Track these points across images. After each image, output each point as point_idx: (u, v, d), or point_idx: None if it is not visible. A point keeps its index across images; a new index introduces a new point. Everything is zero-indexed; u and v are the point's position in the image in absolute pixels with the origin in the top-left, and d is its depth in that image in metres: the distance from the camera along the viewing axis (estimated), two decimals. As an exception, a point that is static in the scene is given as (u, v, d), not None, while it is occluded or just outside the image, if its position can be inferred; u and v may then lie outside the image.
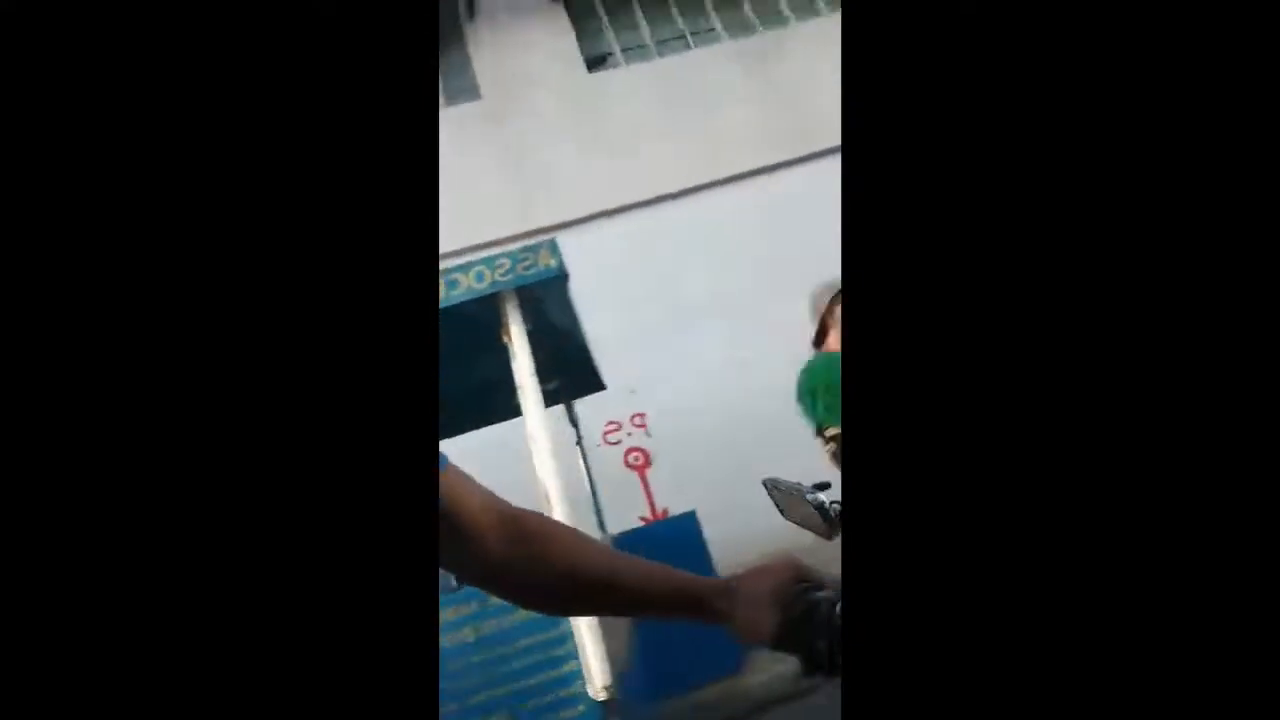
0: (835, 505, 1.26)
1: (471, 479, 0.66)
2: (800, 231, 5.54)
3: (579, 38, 6.37)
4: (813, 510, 1.31)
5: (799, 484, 1.58)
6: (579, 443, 4.38)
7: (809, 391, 2.60)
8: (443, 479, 0.61)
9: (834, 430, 2.41)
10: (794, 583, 0.64)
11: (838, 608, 0.61)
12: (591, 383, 4.16)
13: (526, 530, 0.65)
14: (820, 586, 0.65)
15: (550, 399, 4.12)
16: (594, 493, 4.35)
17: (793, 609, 0.63)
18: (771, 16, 6.52)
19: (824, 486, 1.35)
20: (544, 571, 0.65)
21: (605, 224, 5.71)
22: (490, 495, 0.67)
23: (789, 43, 6.22)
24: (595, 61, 6.34)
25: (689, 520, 4.14)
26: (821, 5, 6.51)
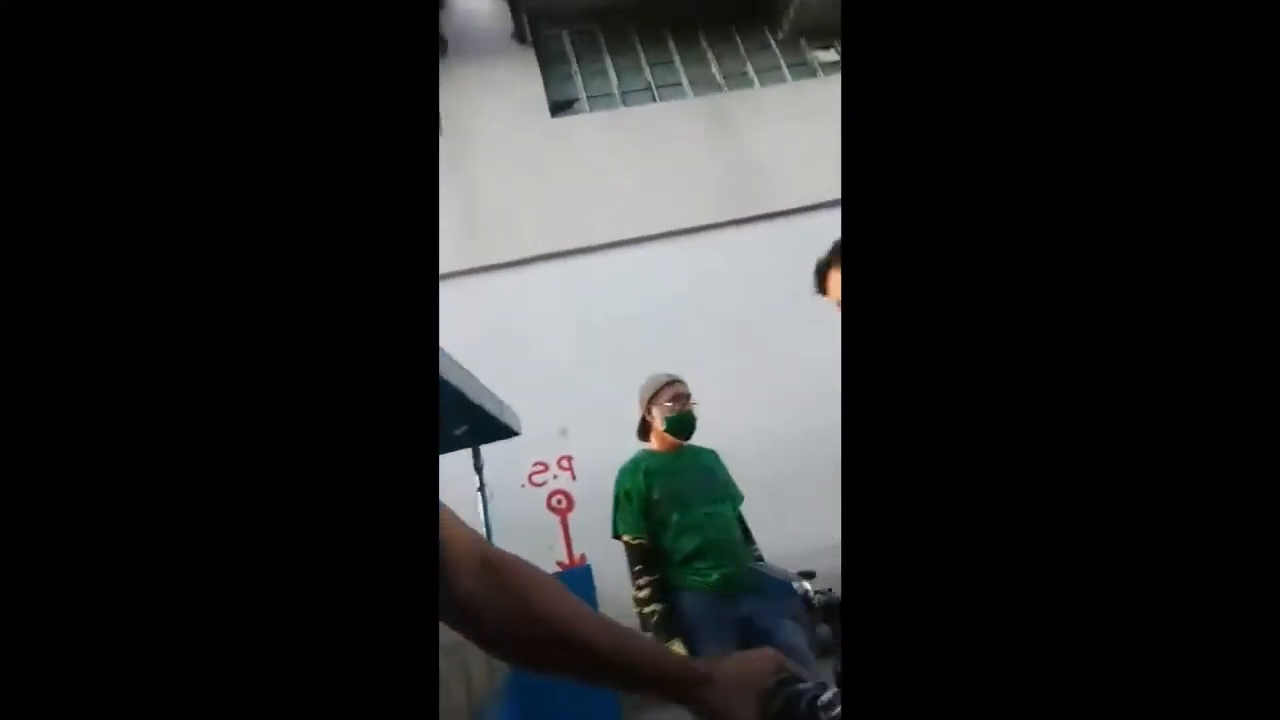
0: (819, 595, 1.22)
1: (456, 517, 0.65)
2: (740, 289, 5.61)
3: (548, 81, 6.43)
4: (795, 597, 1.25)
5: (785, 570, 1.51)
6: (480, 489, 4.31)
7: (614, 496, 2.71)
8: None
9: (628, 538, 2.62)
10: (774, 674, 0.64)
11: (819, 700, 0.60)
12: (498, 429, 4.12)
13: (504, 574, 0.64)
14: (799, 679, 0.64)
15: (459, 443, 4.16)
16: (489, 539, 4.30)
17: (772, 701, 0.62)
18: (737, 77, 6.65)
19: (809, 575, 1.31)
20: (518, 620, 0.63)
21: (552, 266, 5.70)
22: (474, 535, 0.66)
23: (751, 105, 6.34)
24: (561, 106, 6.38)
25: (585, 573, 4.16)
26: (787, 73, 6.67)
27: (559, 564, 5.08)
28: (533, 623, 0.63)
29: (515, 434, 4.39)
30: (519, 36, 6.42)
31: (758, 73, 6.67)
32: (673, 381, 2.79)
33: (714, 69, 6.67)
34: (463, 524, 0.65)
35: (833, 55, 6.73)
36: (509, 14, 6.39)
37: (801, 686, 0.63)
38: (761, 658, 0.66)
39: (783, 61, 6.73)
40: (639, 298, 5.58)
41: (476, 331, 5.14)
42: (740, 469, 4.40)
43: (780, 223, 5.84)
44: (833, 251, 1.82)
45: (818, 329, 5.28)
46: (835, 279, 1.79)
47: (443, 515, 0.63)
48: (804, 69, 6.69)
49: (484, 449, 4.40)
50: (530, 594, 0.64)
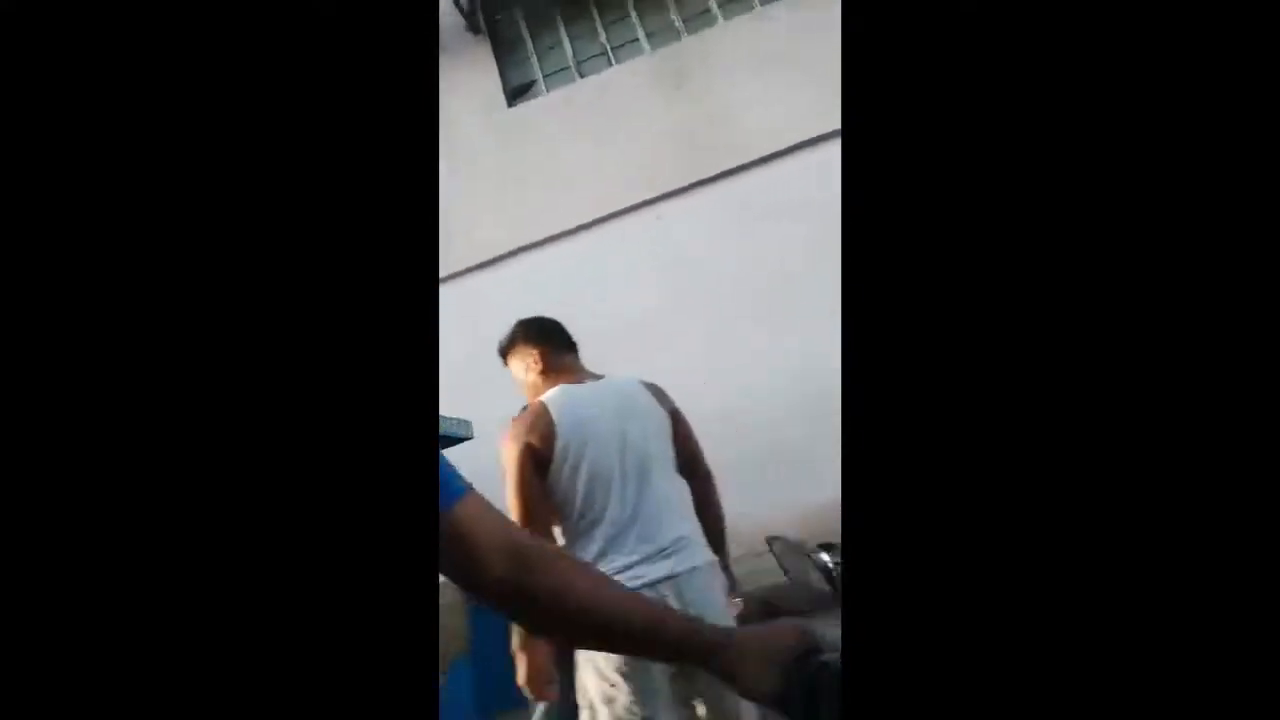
0: (838, 566, 1.34)
1: (491, 506, 0.69)
2: (716, 252, 5.25)
3: (504, 69, 6.22)
4: (815, 570, 1.36)
5: (803, 542, 1.65)
6: (433, 492, 4.50)
7: None
8: (461, 505, 0.66)
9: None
10: (801, 645, 0.65)
11: None
12: (448, 440, 4.26)
13: (534, 561, 0.67)
14: (820, 649, 0.65)
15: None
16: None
17: (797, 672, 0.63)
18: (698, 18, 6.04)
19: (829, 547, 1.42)
20: (549, 603, 0.67)
21: (519, 261, 5.61)
22: (505, 524, 0.70)
23: (710, 49, 5.77)
24: (519, 91, 6.16)
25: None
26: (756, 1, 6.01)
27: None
28: (570, 605, 0.67)
29: (467, 438, 4.53)
30: (473, 28, 6.25)
31: (720, 5, 6.02)
32: None
33: (672, 13, 6.10)
34: (497, 515, 0.69)
35: (806, -35, 5.97)
36: (460, 7, 6.14)
37: (825, 658, 0.62)
38: (790, 629, 0.66)
39: (747, -14, 6.07)
40: (606, 281, 5.38)
41: (448, 337, 5.23)
42: (727, 440, 4.22)
43: (749, 175, 5.39)
44: (512, 335, 1.90)
45: (793, 287, 4.87)
46: (514, 360, 1.88)
47: (477, 507, 0.67)
48: (774, -12, 6.00)
49: (470, 445, 4.58)
50: (562, 580, 0.67)
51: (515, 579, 0.66)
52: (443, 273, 5.54)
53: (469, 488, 0.68)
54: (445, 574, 0.66)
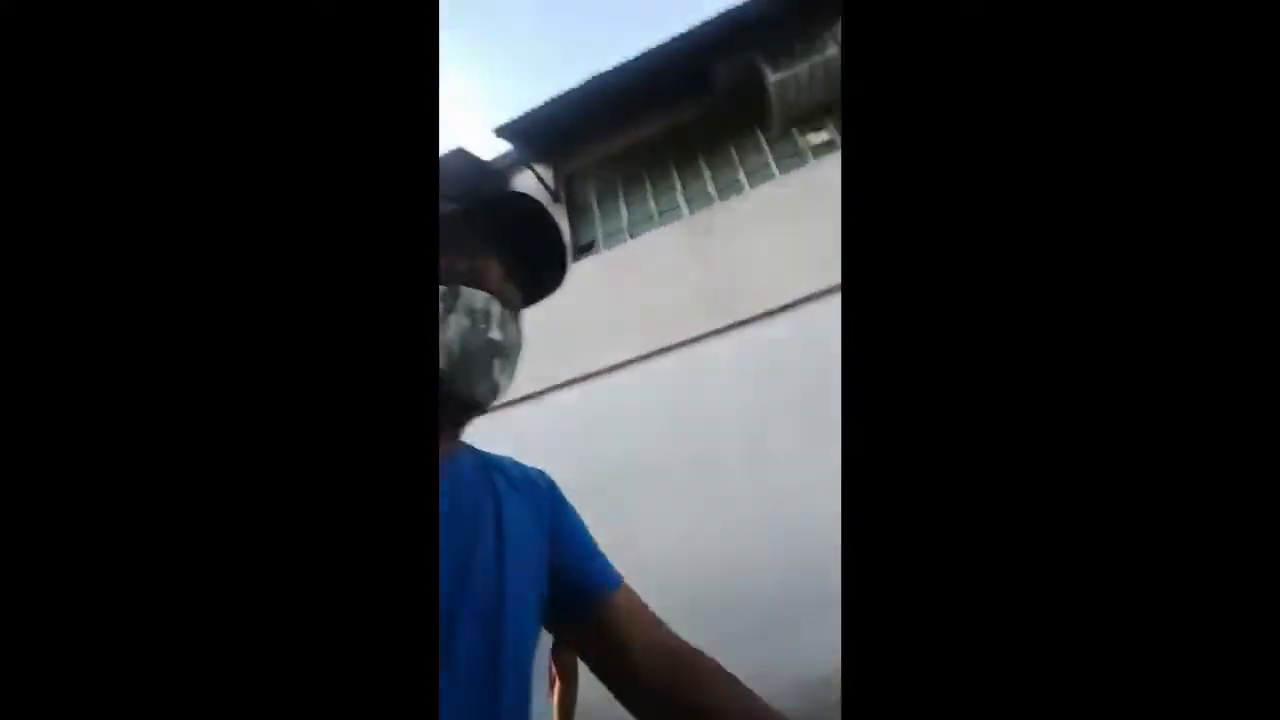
0: None
1: (643, 606, 0.69)
2: (729, 397, 5.82)
3: (575, 230, 7.38)
4: None
5: None
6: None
7: None
8: (614, 605, 0.67)
9: None
10: None
11: None
12: None
13: (691, 673, 0.65)
14: None
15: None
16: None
17: None
18: (730, 186, 6.86)
19: None
20: (695, 714, 0.63)
21: (544, 400, 6.45)
22: (657, 622, 0.68)
23: (733, 210, 6.48)
24: (582, 250, 7.26)
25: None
26: (775, 169, 6.68)
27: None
28: (709, 716, 0.63)
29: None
30: (555, 197, 7.60)
31: (749, 175, 6.80)
32: None
33: (708, 184, 6.98)
34: (652, 618, 0.68)
35: (823, 136, 6.62)
36: (547, 187, 7.50)
37: None
38: None
39: (770, 158, 6.76)
40: (611, 427, 6.01)
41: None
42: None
43: (748, 330, 5.98)
44: None
45: (780, 441, 5.30)
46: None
47: (631, 607, 0.68)
48: (796, 159, 6.66)
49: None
50: (720, 699, 0.64)
51: (668, 689, 0.63)
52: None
53: (621, 580, 0.67)
54: (591, 668, 0.67)
